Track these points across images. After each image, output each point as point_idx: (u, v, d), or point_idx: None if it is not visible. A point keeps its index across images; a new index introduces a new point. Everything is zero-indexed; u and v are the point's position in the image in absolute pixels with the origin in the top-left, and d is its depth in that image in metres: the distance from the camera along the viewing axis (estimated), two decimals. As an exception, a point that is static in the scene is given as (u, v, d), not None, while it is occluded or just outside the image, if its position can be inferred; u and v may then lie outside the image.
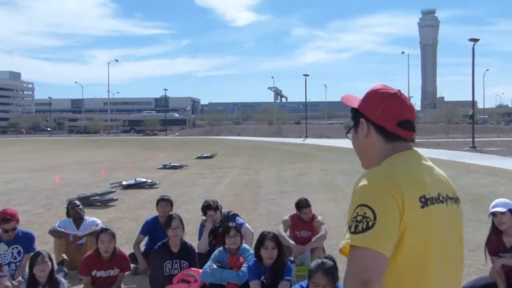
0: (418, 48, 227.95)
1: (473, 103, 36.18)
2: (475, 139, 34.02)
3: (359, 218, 1.61)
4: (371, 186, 1.67)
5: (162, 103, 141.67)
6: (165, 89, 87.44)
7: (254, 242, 5.39)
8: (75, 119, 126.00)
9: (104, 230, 5.51)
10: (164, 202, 7.04)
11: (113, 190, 13.80)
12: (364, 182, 1.71)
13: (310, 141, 48.49)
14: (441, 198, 1.77)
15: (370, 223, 1.58)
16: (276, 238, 4.99)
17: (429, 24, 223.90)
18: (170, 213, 6.18)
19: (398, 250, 1.63)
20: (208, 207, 6.53)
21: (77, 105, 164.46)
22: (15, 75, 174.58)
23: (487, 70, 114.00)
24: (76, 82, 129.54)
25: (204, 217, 6.75)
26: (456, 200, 1.85)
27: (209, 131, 74.53)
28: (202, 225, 6.67)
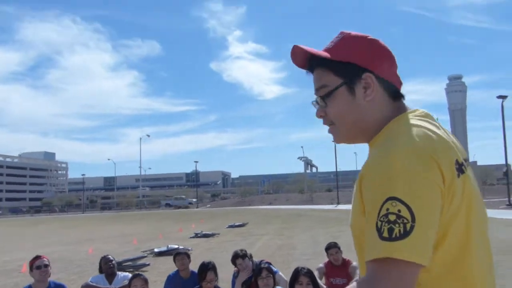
0: (447, 113, 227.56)
1: (506, 158, 35.52)
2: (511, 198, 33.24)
3: (392, 217, 1.15)
4: (398, 165, 1.19)
5: (193, 178, 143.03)
6: (195, 161, 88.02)
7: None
8: (107, 197, 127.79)
9: (136, 276, 5.47)
10: (180, 255, 7.09)
11: (145, 255, 13.76)
12: (384, 158, 1.23)
13: (342, 207, 47.78)
14: (464, 163, 1.34)
15: (408, 226, 1.14)
16: (310, 274, 4.85)
17: (456, 89, 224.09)
18: (205, 262, 5.89)
19: (443, 238, 1.25)
20: (236, 256, 6.45)
21: (109, 183, 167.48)
22: (50, 155, 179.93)
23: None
24: (108, 159, 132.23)
25: (235, 269, 6.64)
26: (469, 162, 1.40)
27: (240, 202, 74.41)
28: (235, 276, 6.55)
